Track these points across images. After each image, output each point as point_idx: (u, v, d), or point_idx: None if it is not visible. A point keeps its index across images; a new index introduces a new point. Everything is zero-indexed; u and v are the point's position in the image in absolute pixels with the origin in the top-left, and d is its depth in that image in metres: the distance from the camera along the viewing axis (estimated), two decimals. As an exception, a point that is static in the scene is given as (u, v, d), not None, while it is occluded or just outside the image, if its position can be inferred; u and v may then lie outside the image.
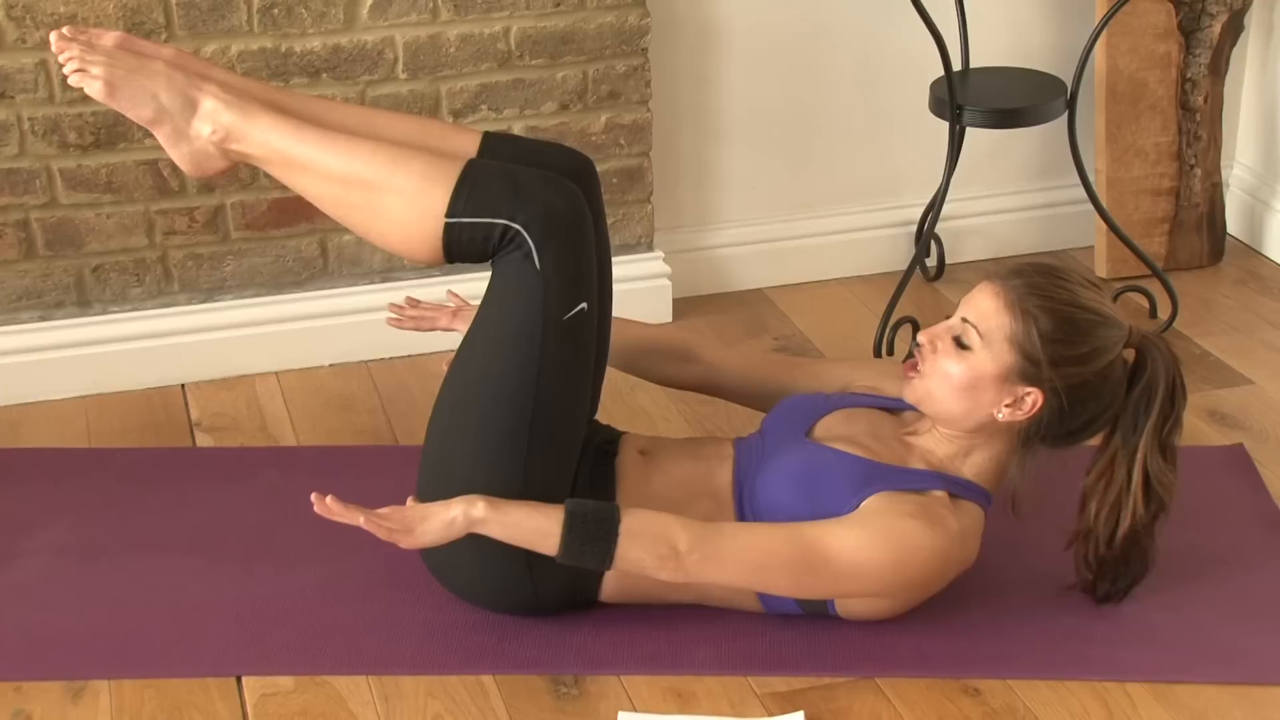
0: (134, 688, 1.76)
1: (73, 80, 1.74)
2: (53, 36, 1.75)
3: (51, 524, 2.04)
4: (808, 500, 1.75)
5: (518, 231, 1.70)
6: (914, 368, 1.79)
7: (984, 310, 1.75)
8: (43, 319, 2.39)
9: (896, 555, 1.70)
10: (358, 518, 1.67)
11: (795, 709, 1.70)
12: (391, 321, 2.10)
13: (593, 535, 1.66)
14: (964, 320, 1.76)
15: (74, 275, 2.38)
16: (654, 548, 1.66)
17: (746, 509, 1.80)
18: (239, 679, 1.77)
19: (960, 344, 1.76)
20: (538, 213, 1.70)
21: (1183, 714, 1.70)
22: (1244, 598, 1.86)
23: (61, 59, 1.75)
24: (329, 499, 1.67)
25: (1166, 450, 1.78)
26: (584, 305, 1.73)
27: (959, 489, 1.78)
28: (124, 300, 2.41)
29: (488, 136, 1.85)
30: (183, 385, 2.43)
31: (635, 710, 1.71)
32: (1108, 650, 1.78)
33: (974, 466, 1.81)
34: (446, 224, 1.70)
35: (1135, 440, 1.77)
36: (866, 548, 1.69)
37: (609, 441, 1.90)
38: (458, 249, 1.72)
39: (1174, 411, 1.78)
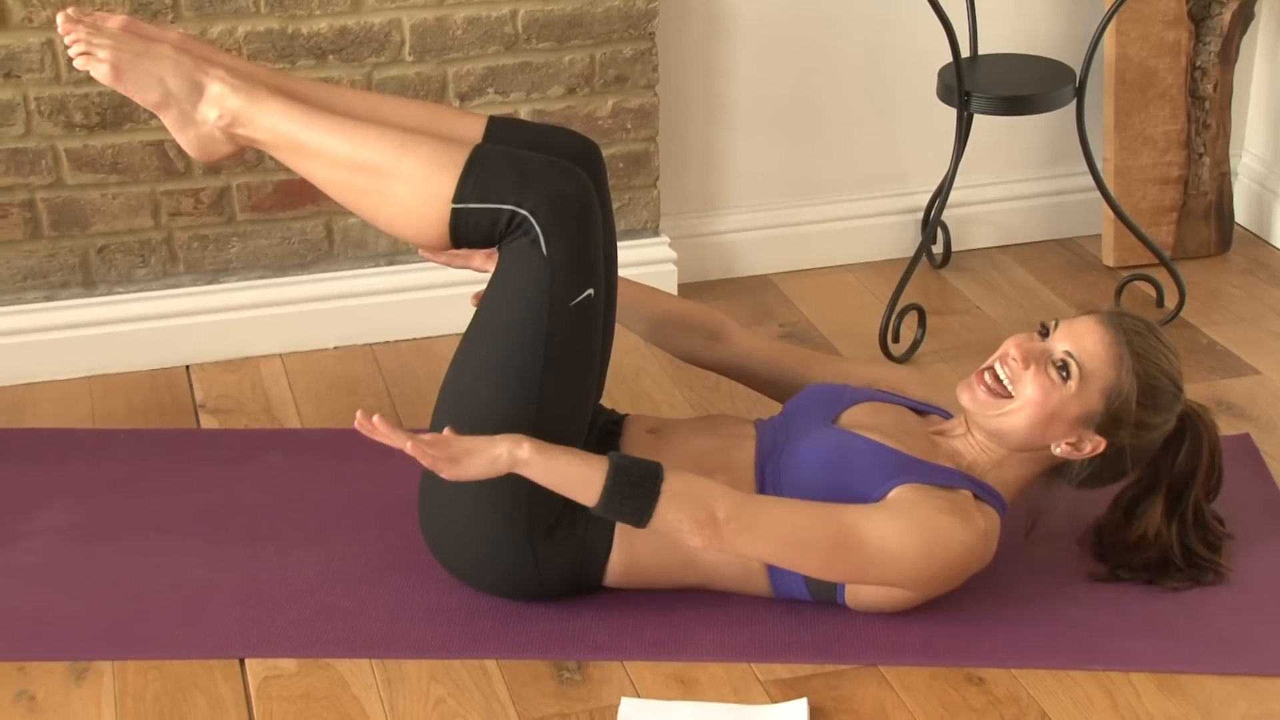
0: (137, 669, 1.75)
1: (78, 64, 1.73)
2: (59, 18, 1.74)
3: (55, 504, 2.04)
4: (835, 483, 1.74)
5: (525, 217, 1.69)
6: (990, 380, 1.78)
7: (1090, 351, 1.76)
8: (48, 299, 2.38)
9: (929, 547, 1.70)
10: (404, 442, 1.61)
11: (798, 696, 1.70)
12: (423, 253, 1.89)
13: (634, 490, 1.63)
14: (1066, 352, 1.76)
15: (79, 256, 2.37)
16: (693, 511, 1.64)
17: (769, 486, 1.79)
18: (242, 661, 1.77)
19: (1062, 371, 1.76)
20: (545, 198, 1.69)
21: (1187, 704, 1.69)
22: (1249, 588, 1.86)
23: (67, 41, 1.74)
24: (375, 418, 1.62)
25: (1201, 518, 1.86)
26: (591, 291, 1.73)
27: (982, 492, 1.78)
28: (129, 281, 2.40)
29: (493, 121, 1.84)
30: (187, 367, 2.43)
31: (638, 696, 1.70)
32: (1112, 640, 1.78)
33: (1000, 478, 1.82)
34: (453, 209, 1.70)
35: (1175, 508, 1.84)
36: (901, 536, 1.69)
37: (613, 423, 1.90)
38: (465, 234, 1.72)
39: (1212, 483, 1.85)
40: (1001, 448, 1.80)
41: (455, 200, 1.69)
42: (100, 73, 1.72)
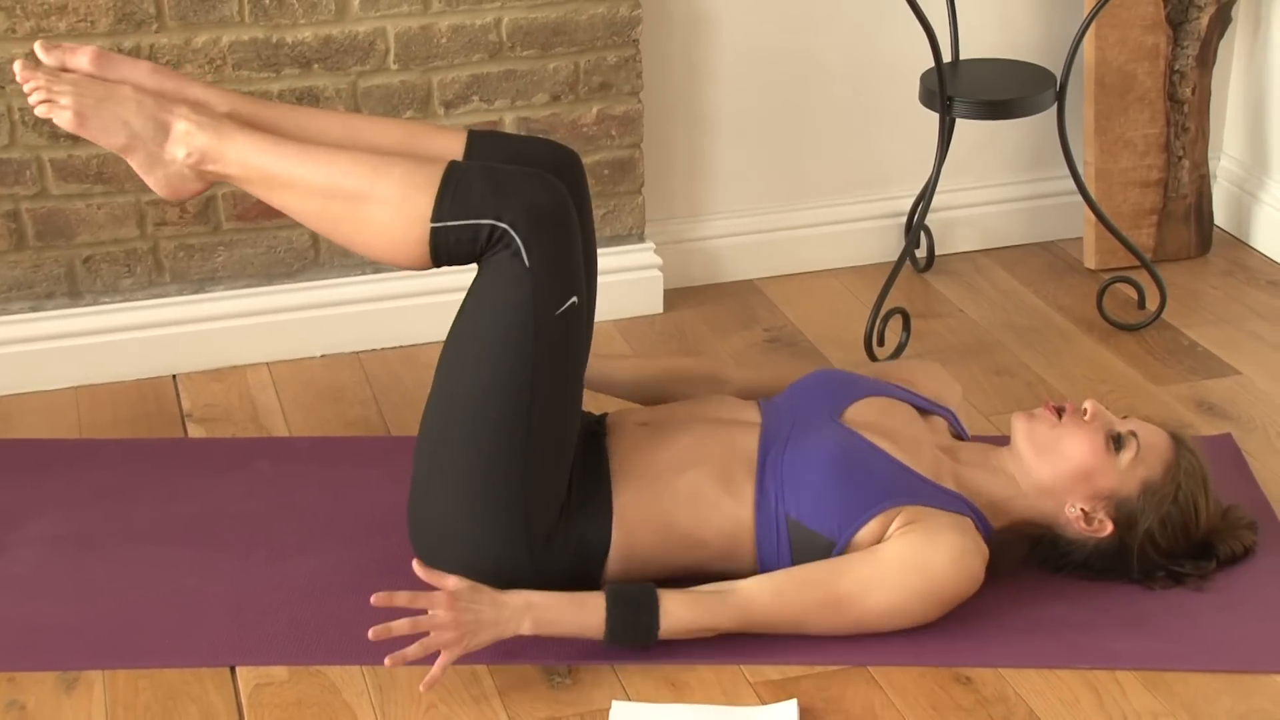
0: (128, 678, 1.75)
1: (39, 111, 1.72)
2: (17, 66, 1.73)
3: (43, 515, 2.04)
4: (839, 487, 1.76)
5: (505, 230, 1.69)
6: (1058, 412, 1.83)
7: (1152, 444, 1.82)
8: (33, 310, 2.38)
9: (931, 595, 1.74)
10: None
11: (788, 697, 1.71)
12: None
13: (634, 637, 1.72)
14: (1132, 431, 1.81)
15: (65, 266, 2.37)
16: (696, 635, 1.73)
17: (770, 479, 1.79)
18: (233, 669, 1.77)
19: (1115, 442, 1.80)
20: (523, 210, 1.69)
21: (1171, 701, 1.71)
22: (1232, 586, 1.87)
23: (26, 89, 1.73)
24: (414, 563, 1.71)
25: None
26: (575, 299, 1.73)
27: (978, 518, 1.81)
28: (115, 291, 2.40)
29: (472, 135, 1.84)
30: (174, 376, 2.43)
31: (629, 699, 1.71)
32: (1097, 638, 1.79)
33: (996, 513, 1.84)
34: (433, 228, 1.69)
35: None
36: (901, 596, 1.73)
37: (595, 423, 1.91)
38: (446, 252, 1.71)
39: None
40: (1019, 485, 1.83)
41: (434, 219, 1.69)
42: (63, 120, 1.72)
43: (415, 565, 1.70)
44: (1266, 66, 2.76)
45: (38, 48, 1.76)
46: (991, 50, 2.69)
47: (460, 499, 1.75)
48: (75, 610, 1.85)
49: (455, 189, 1.69)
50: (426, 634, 1.67)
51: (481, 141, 1.84)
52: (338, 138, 1.79)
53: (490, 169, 1.72)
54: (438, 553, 1.79)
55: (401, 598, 1.68)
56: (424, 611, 1.67)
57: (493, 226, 1.69)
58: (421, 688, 1.69)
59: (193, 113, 1.74)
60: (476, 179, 1.70)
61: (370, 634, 1.66)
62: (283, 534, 1.99)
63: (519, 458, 1.73)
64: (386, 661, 1.67)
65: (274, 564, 1.93)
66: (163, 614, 1.84)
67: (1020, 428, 1.84)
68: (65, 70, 1.76)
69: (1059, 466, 1.81)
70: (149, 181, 1.77)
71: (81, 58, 1.76)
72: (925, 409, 1.94)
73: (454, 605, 1.67)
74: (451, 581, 1.69)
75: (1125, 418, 1.87)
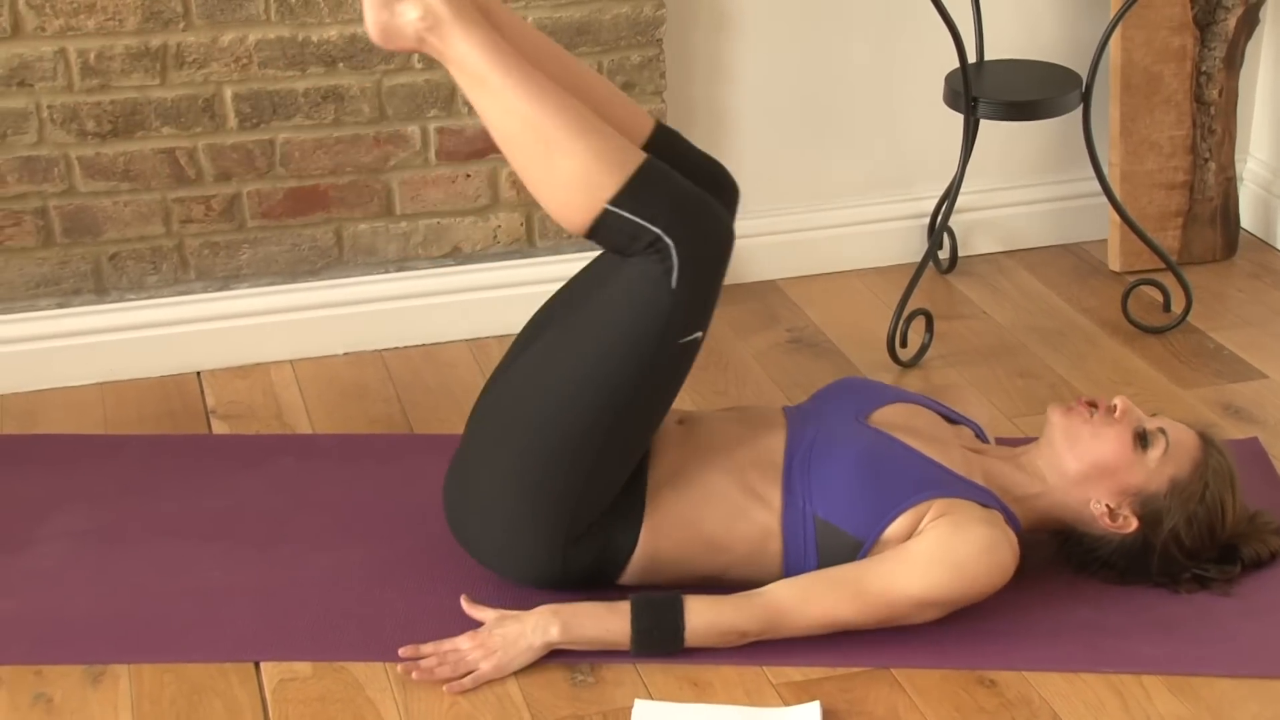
0: (153, 672, 1.76)
1: None
2: None
3: (70, 509, 2.05)
4: (868, 485, 1.76)
5: (667, 245, 1.67)
6: (1092, 409, 1.83)
7: (1180, 442, 1.81)
8: (60, 306, 2.39)
9: (960, 585, 1.73)
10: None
11: (811, 699, 1.71)
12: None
13: (660, 647, 1.73)
14: (1160, 429, 1.81)
15: (91, 263, 2.38)
16: (723, 639, 1.74)
17: (797, 481, 1.79)
18: (257, 664, 1.78)
19: (1143, 440, 1.80)
20: (691, 235, 1.68)
21: (1197, 706, 1.70)
22: (1260, 591, 1.87)
23: None
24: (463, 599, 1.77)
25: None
26: (700, 334, 1.73)
27: (1007, 515, 1.80)
28: (141, 288, 2.42)
29: (659, 126, 1.84)
30: (199, 373, 2.44)
31: (651, 698, 1.71)
32: (1122, 642, 1.79)
33: (1024, 509, 1.83)
34: (606, 208, 1.68)
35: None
36: (931, 590, 1.72)
37: None
38: (604, 233, 1.70)
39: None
40: (1047, 480, 1.83)
41: (611, 202, 1.68)
42: None
43: (463, 601, 1.77)
44: (1294, 68, 2.76)
45: None
46: (1017, 51, 2.69)
47: (513, 483, 1.76)
48: (101, 604, 1.86)
49: (643, 184, 1.68)
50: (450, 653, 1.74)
51: (664, 134, 1.83)
52: (552, 72, 1.75)
53: (682, 184, 1.71)
54: (469, 527, 1.81)
55: (427, 648, 1.74)
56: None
57: (657, 236, 1.67)
58: (446, 689, 1.70)
59: None
60: (666, 185, 1.69)
61: (400, 664, 1.72)
62: (306, 530, 2.00)
63: (585, 461, 1.73)
64: (414, 676, 1.71)
65: (298, 559, 1.94)
66: (188, 609, 1.85)
67: (1056, 420, 1.84)
68: None
69: (1086, 460, 1.81)
70: (367, 16, 1.70)
71: None
72: (951, 418, 1.94)
73: (475, 635, 1.74)
74: (488, 615, 1.76)
75: (1155, 415, 1.87)
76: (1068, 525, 1.85)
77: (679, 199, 1.69)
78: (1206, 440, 1.84)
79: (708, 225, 1.70)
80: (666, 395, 1.78)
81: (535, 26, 2.40)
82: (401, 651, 1.74)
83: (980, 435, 1.96)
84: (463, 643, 1.74)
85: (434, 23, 1.68)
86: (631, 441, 1.77)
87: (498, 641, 1.73)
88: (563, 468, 1.73)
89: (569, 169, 1.68)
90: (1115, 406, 1.83)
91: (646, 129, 1.83)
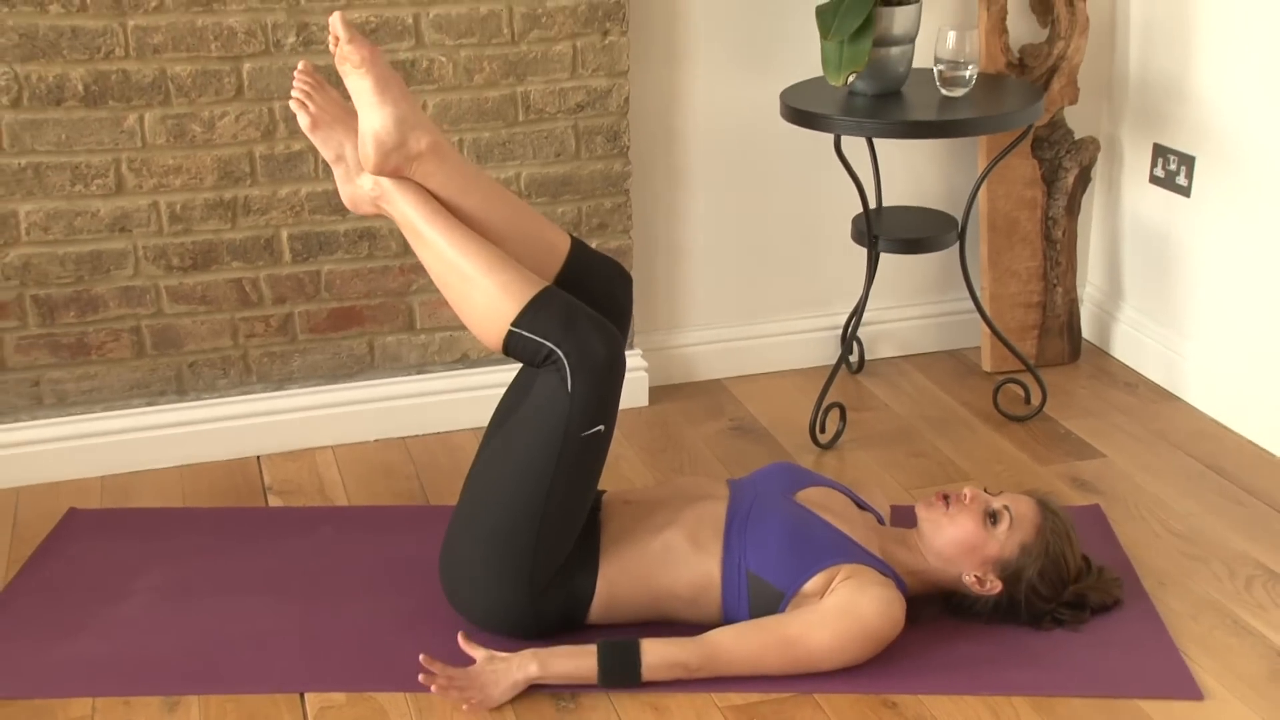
0: (218, 702, 1.75)
1: (291, 104, 1.76)
2: (302, 64, 1.77)
3: (153, 569, 2.04)
4: (793, 548, 1.77)
5: (560, 357, 1.70)
6: (946, 502, 1.84)
7: (1022, 513, 1.82)
8: (149, 405, 2.39)
9: (863, 640, 1.74)
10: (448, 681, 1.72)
11: (750, 719, 1.71)
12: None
13: (621, 677, 1.72)
14: (1005, 506, 1.82)
15: (174, 370, 2.39)
16: (669, 673, 1.73)
17: (735, 539, 1.80)
18: (302, 695, 1.77)
19: (992, 518, 1.81)
20: (579, 349, 1.70)
21: (1056, 722, 1.71)
22: (1106, 628, 1.88)
23: (298, 82, 1.74)
24: (460, 636, 1.76)
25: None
26: (601, 427, 1.74)
27: (899, 582, 1.82)
28: (213, 389, 2.42)
29: (574, 241, 1.86)
30: (258, 457, 2.44)
31: (621, 720, 1.71)
32: (997, 670, 1.79)
33: (915, 580, 1.85)
34: (510, 330, 1.71)
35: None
36: (841, 637, 1.73)
37: (594, 499, 1.91)
38: (514, 349, 1.73)
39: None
40: (927, 560, 1.84)
41: (513, 325, 1.71)
42: (302, 121, 1.77)
43: (460, 638, 1.76)
44: (1119, 215, 2.82)
45: (336, 18, 1.71)
46: (907, 199, 2.74)
47: (483, 554, 1.77)
48: (177, 646, 1.85)
49: (538, 309, 1.71)
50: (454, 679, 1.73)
51: (577, 247, 1.86)
52: (491, 208, 1.78)
53: (572, 305, 1.72)
54: (460, 592, 1.81)
55: (438, 666, 1.73)
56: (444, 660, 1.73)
57: (552, 350, 1.70)
58: (464, 707, 1.71)
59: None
60: (556, 309, 1.71)
61: (420, 674, 1.71)
62: (342, 585, 2.00)
63: (533, 532, 1.74)
64: (433, 689, 1.70)
65: (336, 609, 1.93)
66: (246, 649, 1.84)
67: (922, 515, 1.86)
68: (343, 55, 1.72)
69: (950, 544, 1.82)
70: (340, 188, 1.81)
71: (333, 94, 1.78)
72: (860, 503, 1.97)
73: (471, 669, 1.73)
74: (479, 654, 1.74)
75: (1000, 493, 1.88)
76: (948, 590, 1.87)
77: (568, 318, 1.71)
78: (1043, 506, 1.85)
79: (595, 338, 1.71)
80: (585, 481, 1.77)
81: (516, 178, 2.45)
82: (422, 659, 1.70)
83: (880, 520, 1.98)
84: (462, 673, 1.73)
85: (381, 192, 1.77)
86: (567, 515, 1.77)
87: (488, 677, 1.72)
88: (518, 536, 1.74)
89: (482, 299, 1.72)
90: (965, 495, 1.84)
91: (565, 245, 1.85)
